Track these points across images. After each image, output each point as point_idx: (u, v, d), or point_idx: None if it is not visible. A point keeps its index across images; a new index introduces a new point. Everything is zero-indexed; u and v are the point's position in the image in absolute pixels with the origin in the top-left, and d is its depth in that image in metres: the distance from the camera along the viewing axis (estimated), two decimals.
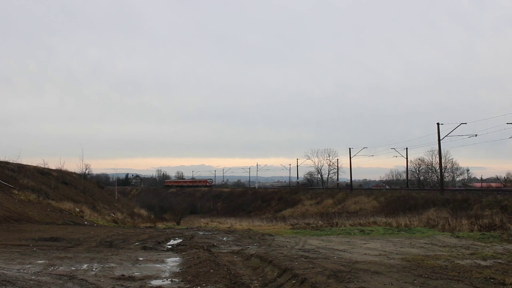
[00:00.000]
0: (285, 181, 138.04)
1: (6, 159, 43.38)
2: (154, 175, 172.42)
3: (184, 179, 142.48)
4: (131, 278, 9.12)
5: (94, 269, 10.04)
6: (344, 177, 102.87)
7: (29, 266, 10.29)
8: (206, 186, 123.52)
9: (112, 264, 10.80)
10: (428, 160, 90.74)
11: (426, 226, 23.52)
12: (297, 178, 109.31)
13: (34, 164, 50.12)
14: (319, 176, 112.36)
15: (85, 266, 10.49)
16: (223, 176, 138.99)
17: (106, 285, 8.47)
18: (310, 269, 9.70)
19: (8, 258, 11.34)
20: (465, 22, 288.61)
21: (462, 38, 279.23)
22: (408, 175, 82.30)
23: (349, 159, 74.44)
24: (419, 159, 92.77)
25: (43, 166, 50.92)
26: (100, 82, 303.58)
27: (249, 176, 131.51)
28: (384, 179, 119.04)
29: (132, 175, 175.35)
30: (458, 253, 13.60)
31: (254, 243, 17.23)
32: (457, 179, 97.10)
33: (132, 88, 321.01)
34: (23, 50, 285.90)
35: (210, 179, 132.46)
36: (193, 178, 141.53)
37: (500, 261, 11.76)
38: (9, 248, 13.44)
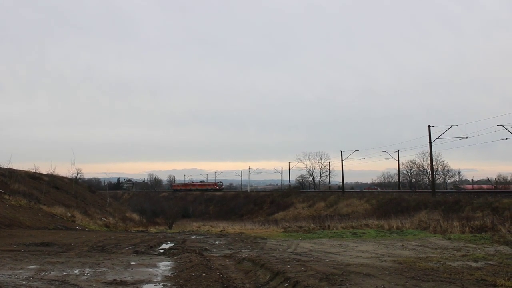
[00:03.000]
0: (277, 184, 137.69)
1: None
2: (146, 179, 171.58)
3: (193, 182, 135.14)
4: (123, 283, 9.10)
5: (86, 274, 10.00)
6: (336, 180, 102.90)
7: (20, 271, 10.24)
8: (216, 189, 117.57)
9: (104, 269, 10.76)
10: (420, 162, 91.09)
11: (418, 228, 23.61)
12: (289, 181, 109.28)
13: (25, 169, 50.05)
14: (311, 179, 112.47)
15: (76, 271, 10.45)
16: (215, 179, 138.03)
17: None
18: (302, 272, 9.71)
19: None
20: (454, 26, 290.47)
21: (452, 42, 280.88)
22: (400, 178, 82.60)
23: (340, 162, 74.47)
24: (410, 162, 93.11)
25: (34, 171, 50.79)
26: (90, 86, 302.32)
27: (241, 180, 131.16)
28: (376, 181, 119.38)
29: (124, 179, 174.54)
30: (449, 255, 13.67)
31: (246, 247, 17.23)
32: (449, 181, 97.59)
33: (123, 92, 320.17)
34: (13, 54, 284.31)
35: (220, 182, 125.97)
36: (202, 181, 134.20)
37: (491, 262, 11.84)
38: (0, 254, 13.36)
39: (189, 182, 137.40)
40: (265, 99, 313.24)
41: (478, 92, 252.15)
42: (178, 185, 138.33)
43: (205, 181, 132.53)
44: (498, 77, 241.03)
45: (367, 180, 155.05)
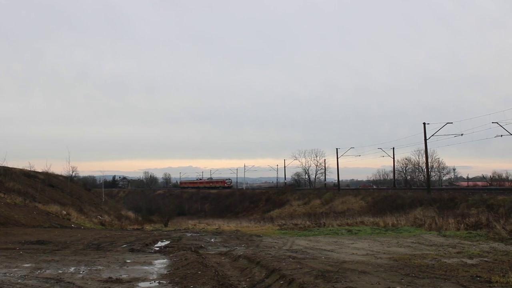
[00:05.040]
0: (272, 182, 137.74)
1: None
2: (141, 177, 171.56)
3: (201, 179, 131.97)
4: (119, 281, 9.08)
5: (81, 272, 9.98)
6: (332, 177, 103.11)
7: (15, 269, 10.21)
8: (224, 187, 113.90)
9: (99, 267, 10.74)
10: (415, 159, 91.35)
11: (413, 226, 23.66)
12: (285, 179, 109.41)
13: (20, 167, 49.89)
14: (307, 176, 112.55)
15: (72, 269, 10.42)
16: (211, 177, 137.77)
17: None
18: (298, 269, 9.72)
19: None
20: (449, 24, 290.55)
21: (447, 39, 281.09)
22: (395, 175, 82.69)
23: (336, 159, 74.67)
24: (405, 159, 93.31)
25: (29, 169, 50.64)
26: (86, 84, 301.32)
27: (237, 177, 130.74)
28: (371, 179, 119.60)
29: (119, 177, 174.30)
30: (444, 252, 13.71)
31: (242, 244, 17.22)
32: (444, 178, 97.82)
33: (119, 90, 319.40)
34: (9, 52, 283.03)
35: (229, 179, 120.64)
36: (210, 178, 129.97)
37: (486, 259, 11.87)
38: None
39: (197, 180, 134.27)
40: (261, 97, 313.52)
41: (473, 89, 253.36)
42: (185, 182, 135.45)
43: (213, 178, 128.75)
44: (493, 75, 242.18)
45: (363, 177, 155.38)
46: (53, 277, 9.34)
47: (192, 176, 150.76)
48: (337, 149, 74.68)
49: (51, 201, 37.18)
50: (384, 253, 13.58)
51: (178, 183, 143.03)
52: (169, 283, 8.93)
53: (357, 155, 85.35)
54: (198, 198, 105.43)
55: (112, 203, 67.80)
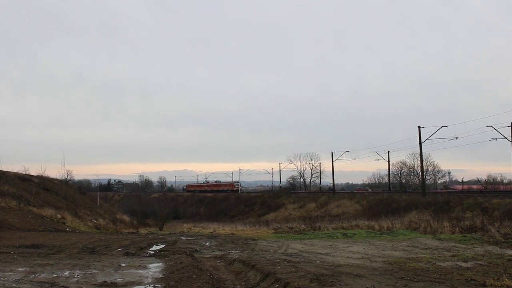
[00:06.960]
0: (268, 186, 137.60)
1: None
2: (136, 180, 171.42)
3: (208, 182, 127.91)
4: (113, 285, 9.06)
5: (76, 276, 9.95)
6: (327, 180, 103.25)
7: (10, 273, 10.17)
8: (232, 190, 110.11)
9: (94, 271, 10.71)
10: (410, 163, 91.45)
11: (408, 229, 23.71)
12: (280, 182, 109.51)
13: (15, 171, 49.89)
14: (302, 180, 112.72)
15: (66, 273, 10.39)
16: (206, 181, 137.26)
17: None
18: (292, 273, 9.72)
19: None
20: (444, 28, 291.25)
21: (442, 43, 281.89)
22: (390, 178, 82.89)
23: (331, 162, 74.64)
24: (401, 162, 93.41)
25: (24, 173, 50.69)
26: (81, 87, 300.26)
27: (232, 181, 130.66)
28: (367, 182, 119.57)
29: (114, 181, 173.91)
30: (439, 255, 13.73)
31: (237, 248, 17.22)
32: (439, 181, 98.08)
33: (114, 93, 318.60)
34: (4, 55, 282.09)
35: (237, 182, 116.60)
36: (217, 181, 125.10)
37: (481, 262, 11.90)
38: None
39: (204, 183, 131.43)
40: (256, 100, 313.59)
41: (468, 93, 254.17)
42: (192, 186, 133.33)
43: (221, 182, 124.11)
44: (488, 79, 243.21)
45: (358, 181, 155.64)
46: (47, 281, 9.31)
47: (188, 179, 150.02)
48: (332, 152, 74.71)
49: (46, 204, 37.09)
50: (379, 256, 13.59)
51: (185, 186, 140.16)
52: (164, 286, 8.92)
53: (352, 159, 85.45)
54: (193, 201, 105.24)
55: (107, 206, 67.77)
